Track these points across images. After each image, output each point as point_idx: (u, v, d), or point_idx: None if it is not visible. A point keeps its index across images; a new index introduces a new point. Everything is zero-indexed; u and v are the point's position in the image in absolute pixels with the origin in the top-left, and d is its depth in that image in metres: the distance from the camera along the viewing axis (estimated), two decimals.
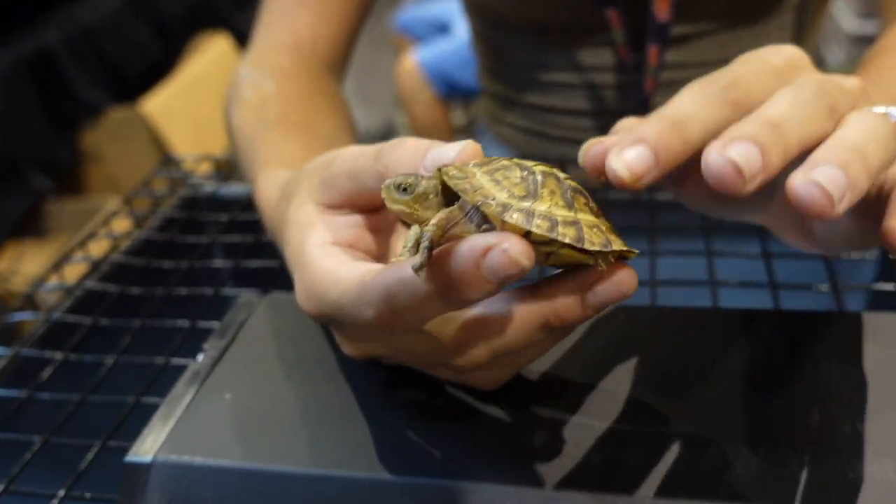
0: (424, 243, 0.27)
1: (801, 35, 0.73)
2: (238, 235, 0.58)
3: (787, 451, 0.32)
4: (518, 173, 0.29)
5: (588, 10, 0.67)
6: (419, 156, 0.31)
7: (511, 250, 0.26)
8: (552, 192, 0.29)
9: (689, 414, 0.34)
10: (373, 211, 0.36)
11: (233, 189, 0.67)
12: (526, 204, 0.28)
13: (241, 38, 2.32)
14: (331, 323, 0.34)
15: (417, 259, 0.27)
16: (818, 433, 0.33)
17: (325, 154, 0.37)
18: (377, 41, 3.19)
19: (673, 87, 0.69)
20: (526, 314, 0.31)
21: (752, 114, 0.30)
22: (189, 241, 0.58)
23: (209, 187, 0.67)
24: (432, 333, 0.31)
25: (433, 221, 0.28)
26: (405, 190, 0.29)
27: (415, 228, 0.30)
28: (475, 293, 0.27)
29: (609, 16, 0.66)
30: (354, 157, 0.34)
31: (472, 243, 0.26)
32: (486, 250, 0.26)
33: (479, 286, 0.26)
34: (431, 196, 0.29)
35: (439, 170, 0.29)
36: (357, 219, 0.35)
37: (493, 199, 0.28)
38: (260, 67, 0.62)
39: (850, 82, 0.32)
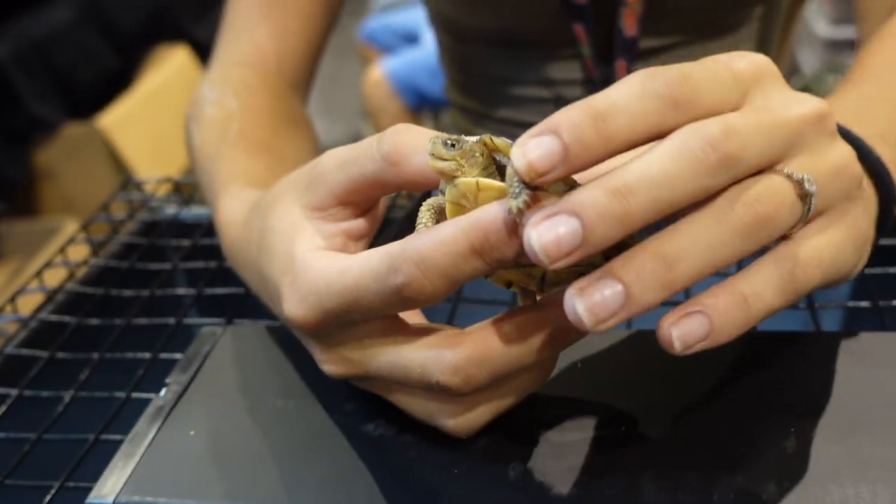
0: (518, 186, 0.27)
1: (768, 45, 0.74)
2: (201, 262, 0.58)
3: (763, 474, 0.33)
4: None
5: (557, 24, 0.68)
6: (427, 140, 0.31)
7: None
8: None
9: (658, 442, 0.35)
10: (363, 211, 0.36)
11: (195, 212, 0.67)
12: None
13: (201, 50, 2.32)
14: (326, 327, 0.33)
15: (517, 200, 0.27)
16: (794, 456, 0.34)
17: (305, 165, 0.37)
18: (342, 51, 3.20)
19: None
20: (531, 324, 0.31)
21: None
22: (150, 269, 0.58)
23: (170, 211, 0.67)
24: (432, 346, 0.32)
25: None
26: (453, 145, 0.30)
27: (432, 201, 0.31)
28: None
29: (576, 31, 0.67)
30: (348, 149, 0.34)
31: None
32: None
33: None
34: (478, 154, 0.30)
35: (479, 138, 0.30)
36: (346, 225, 0.35)
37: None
38: (222, 84, 0.63)
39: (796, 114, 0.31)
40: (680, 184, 0.27)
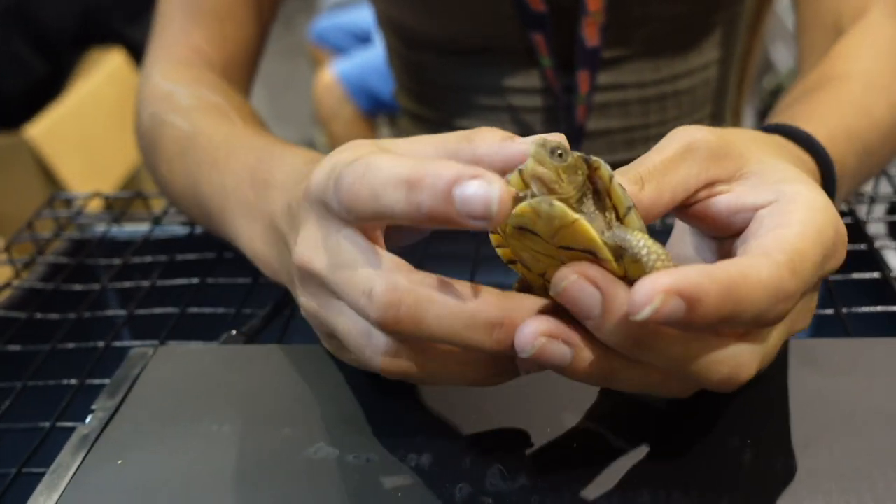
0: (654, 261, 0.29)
1: (731, 50, 0.77)
2: (132, 281, 0.58)
3: (718, 488, 0.34)
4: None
5: (512, 32, 0.69)
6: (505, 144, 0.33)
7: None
8: None
9: (612, 458, 0.36)
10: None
11: (126, 229, 0.67)
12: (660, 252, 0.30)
13: (137, 52, 2.31)
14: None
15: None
16: (750, 469, 0.35)
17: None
18: (292, 53, 3.20)
19: (608, 110, 0.73)
20: (481, 307, 0.32)
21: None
22: (77, 290, 0.59)
23: (100, 228, 0.68)
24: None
25: (655, 247, 0.29)
26: (560, 155, 0.30)
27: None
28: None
29: (536, 41, 0.69)
30: (409, 167, 0.31)
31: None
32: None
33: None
34: (580, 172, 0.30)
35: (582, 156, 0.31)
36: None
37: (654, 252, 0.30)
38: (187, 79, 0.64)
39: None
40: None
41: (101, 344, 0.52)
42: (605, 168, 0.31)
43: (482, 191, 0.28)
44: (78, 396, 0.48)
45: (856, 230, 0.57)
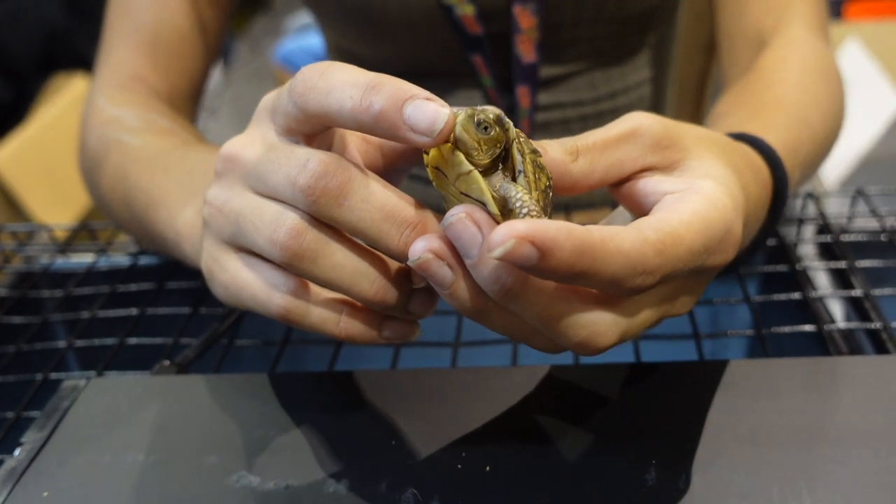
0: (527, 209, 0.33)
1: (665, 67, 0.80)
2: (73, 313, 0.60)
3: None
4: (544, 181, 0.35)
5: (455, 56, 0.72)
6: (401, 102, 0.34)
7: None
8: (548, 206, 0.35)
9: (517, 477, 0.37)
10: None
11: (71, 261, 0.68)
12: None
13: None
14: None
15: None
16: (653, 488, 0.36)
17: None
18: (258, 75, 3.22)
19: (550, 127, 0.75)
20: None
21: None
22: (17, 322, 0.60)
23: (45, 260, 0.69)
24: None
25: (528, 202, 0.33)
26: (486, 129, 0.33)
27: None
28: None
29: (475, 62, 0.71)
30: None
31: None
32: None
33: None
34: (498, 146, 0.34)
35: (499, 119, 0.34)
36: None
37: (526, 204, 0.33)
38: (134, 104, 0.65)
39: None
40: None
41: (38, 376, 0.53)
42: (512, 132, 0.34)
43: (431, 109, 0.33)
44: (14, 429, 0.49)
45: (780, 252, 0.59)
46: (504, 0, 0.69)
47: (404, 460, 0.39)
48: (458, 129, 0.33)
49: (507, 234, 0.30)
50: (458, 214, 0.32)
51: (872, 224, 0.62)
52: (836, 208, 0.66)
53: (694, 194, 0.36)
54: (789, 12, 0.66)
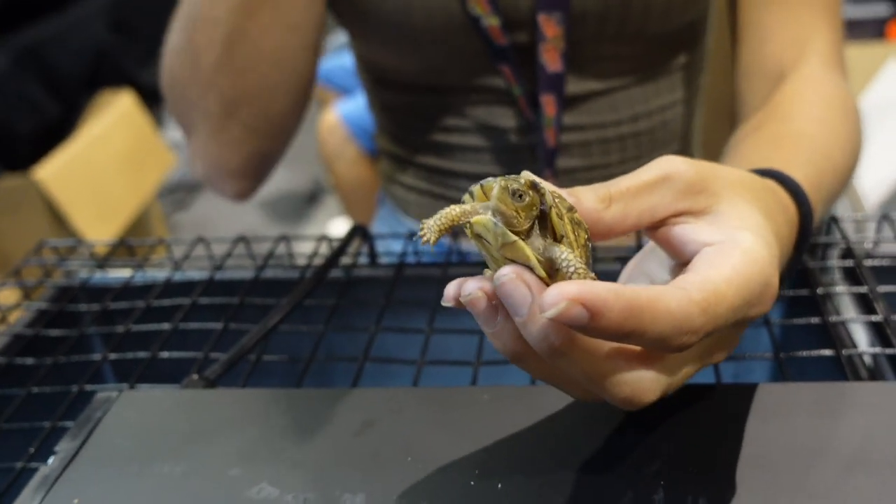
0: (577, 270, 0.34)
1: (693, 92, 0.80)
2: (108, 326, 0.62)
3: None
4: (583, 236, 0.36)
5: (480, 68, 0.73)
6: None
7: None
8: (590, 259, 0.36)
9: (524, 498, 0.38)
10: None
11: (109, 276, 0.70)
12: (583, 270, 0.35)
13: (147, 94, 2.37)
14: None
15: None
16: None
17: None
18: None
19: (569, 150, 0.76)
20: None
21: None
22: (55, 335, 0.62)
23: (83, 275, 0.71)
24: None
25: (574, 261, 0.34)
26: (521, 197, 0.34)
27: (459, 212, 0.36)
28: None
29: (504, 71, 0.72)
30: None
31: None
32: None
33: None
34: (535, 208, 0.35)
35: (533, 185, 0.35)
36: None
37: (573, 264, 0.34)
38: None
39: None
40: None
41: (74, 388, 0.55)
42: (548, 197, 0.35)
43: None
44: (50, 438, 0.51)
45: (801, 276, 0.60)
46: (527, 10, 0.70)
47: (420, 476, 0.40)
48: (495, 202, 0.34)
49: (560, 297, 0.31)
50: (509, 275, 0.34)
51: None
52: (862, 233, 0.66)
53: (734, 248, 0.37)
54: (808, 48, 0.67)
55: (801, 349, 0.52)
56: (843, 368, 0.50)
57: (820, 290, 0.57)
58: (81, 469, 0.43)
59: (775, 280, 0.38)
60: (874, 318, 0.55)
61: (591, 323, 0.31)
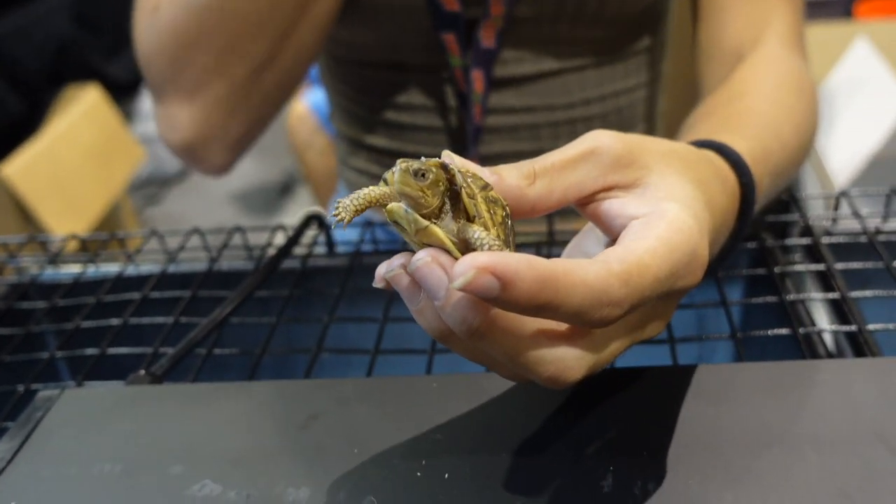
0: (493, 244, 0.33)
1: (652, 77, 0.80)
2: (58, 324, 0.60)
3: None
4: (500, 214, 0.35)
5: (430, 41, 0.72)
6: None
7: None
8: (509, 235, 0.36)
9: (471, 483, 0.38)
10: None
11: (61, 272, 0.69)
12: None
13: (114, 87, 2.34)
14: None
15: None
16: (609, 495, 0.37)
17: None
18: None
19: (517, 132, 0.75)
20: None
21: None
22: (3, 333, 0.60)
23: (35, 271, 0.70)
24: None
25: (488, 238, 0.34)
26: (423, 176, 0.34)
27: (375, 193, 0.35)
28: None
29: (447, 40, 0.71)
30: None
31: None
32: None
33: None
34: (441, 184, 0.34)
35: (443, 165, 0.34)
36: None
37: (486, 241, 0.34)
38: None
39: None
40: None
41: (20, 388, 0.54)
42: (458, 177, 0.34)
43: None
44: None
45: (760, 255, 0.59)
46: None
47: (365, 468, 0.39)
48: (398, 185, 0.33)
49: (469, 266, 0.30)
50: (424, 259, 0.33)
51: (856, 226, 0.62)
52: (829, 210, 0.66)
53: (659, 219, 0.36)
54: (767, 29, 0.67)
55: (762, 328, 0.52)
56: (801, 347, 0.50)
57: (777, 269, 0.56)
58: (19, 471, 0.42)
59: (704, 251, 0.37)
60: (831, 295, 0.54)
61: (502, 294, 0.30)
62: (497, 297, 0.30)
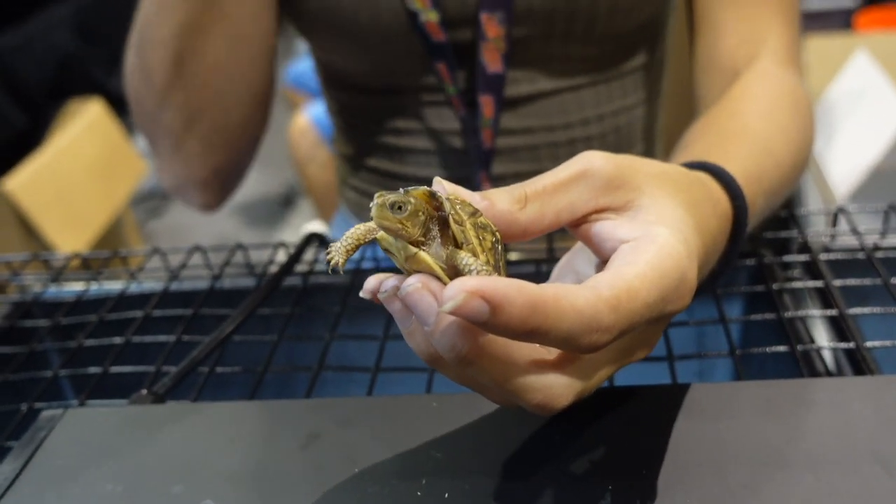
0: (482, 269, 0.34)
1: (650, 96, 0.80)
2: (62, 342, 0.61)
3: None
4: (490, 239, 0.35)
5: (422, 67, 0.73)
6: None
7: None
8: (499, 260, 0.36)
9: (461, 499, 0.38)
10: None
11: (64, 290, 0.70)
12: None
13: (117, 101, 2.35)
14: None
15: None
16: None
17: None
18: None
19: (517, 153, 0.76)
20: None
21: None
22: (6, 352, 0.61)
23: (38, 289, 0.70)
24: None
25: (476, 264, 0.34)
26: (400, 208, 0.34)
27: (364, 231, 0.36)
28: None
29: (439, 69, 0.72)
30: None
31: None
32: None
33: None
34: (421, 214, 0.35)
35: (430, 194, 0.35)
36: None
37: (475, 267, 0.34)
38: None
39: None
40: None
41: (24, 406, 0.54)
42: (445, 204, 0.35)
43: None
44: None
45: (759, 272, 0.60)
46: (471, 7, 0.70)
47: (365, 488, 0.40)
48: (376, 220, 0.34)
49: (458, 290, 0.30)
50: (415, 284, 0.33)
51: (855, 242, 0.62)
52: (823, 226, 0.66)
53: (649, 244, 0.36)
54: (763, 46, 0.67)
55: (761, 346, 0.52)
56: (805, 363, 0.50)
57: (775, 286, 0.57)
58: (23, 491, 0.42)
59: (692, 275, 0.37)
60: (829, 312, 0.54)
61: (492, 318, 0.30)
62: (487, 321, 0.31)
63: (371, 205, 0.34)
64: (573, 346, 0.33)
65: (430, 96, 0.76)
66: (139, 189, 2.79)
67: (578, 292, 0.33)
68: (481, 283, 0.30)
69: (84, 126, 2.23)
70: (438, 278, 0.34)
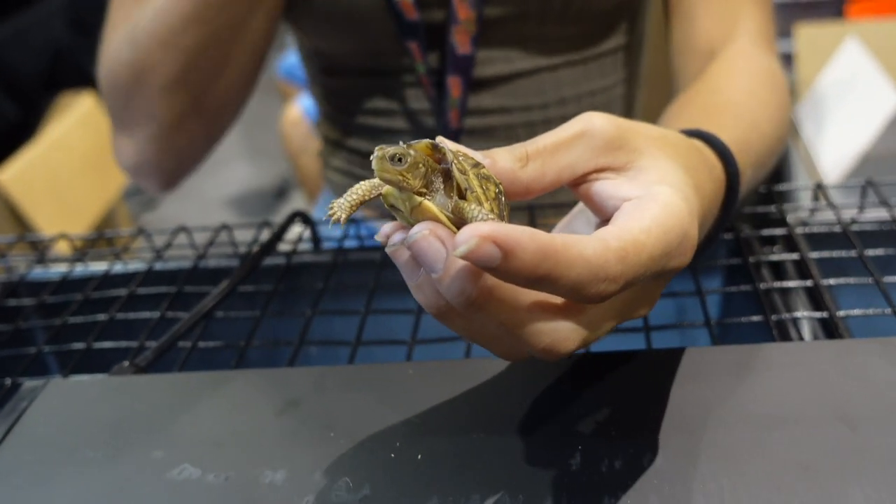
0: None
1: (632, 73, 0.80)
2: (47, 320, 0.62)
3: (544, 493, 0.37)
4: (493, 189, 0.36)
5: (396, 48, 0.74)
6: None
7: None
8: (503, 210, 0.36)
9: (445, 462, 0.39)
10: None
11: (51, 271, 0.70)
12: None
13: None
14: None
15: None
16: (577, 473, 0.38)
17: None
18: (265, 89, 3.25)
19: (494, 133, 0.77)
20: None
21: None
22: None
23: (24, 270, 0.71)
24: None
25: (483, 211, 0.34)
26: (400, 160, 0.34)
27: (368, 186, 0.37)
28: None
29: (411, 48, 0.73)
30: None
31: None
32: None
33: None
34: (421, 166, 0.35)
35: (433, 145, 0.35)
36: None
37: (479, 214, 0.35)
38: None
39: None
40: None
41: (8, 381, 0.55)
42: (448, 154, 0.36)
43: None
44: None
45: (737, 246, 0.60)
46: None
47: (341, 451, 0.40)
48: (378, 172, 0.34)
49: (471, 234, 0.31)
50: (422, 232, 0.34)
51: (832, 217, 0.63)
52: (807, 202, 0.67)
53: (651, 201, 0.37)
54: (737, 27, 0.68)
55: (741, 316, 0.53)
56: (780, 332, 0.51)
57: (752, 259, 0.57)
58: (3, 457, 0.43)
59: (694, 232, 0.38)
60: (806, 283, 0.55)
61: (503, 263, 0.31)
62: (498, 266, 0.31)
63: (371, 158, 0.34)
64: (580, 296, 0.33)
65: (406, 77, 0.76)
66: (132, 182, 2.80)
67: (588, 242, 0.33)
68: (494, 227, 0.31)
69: (77, 118, 2.24)
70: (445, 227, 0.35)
